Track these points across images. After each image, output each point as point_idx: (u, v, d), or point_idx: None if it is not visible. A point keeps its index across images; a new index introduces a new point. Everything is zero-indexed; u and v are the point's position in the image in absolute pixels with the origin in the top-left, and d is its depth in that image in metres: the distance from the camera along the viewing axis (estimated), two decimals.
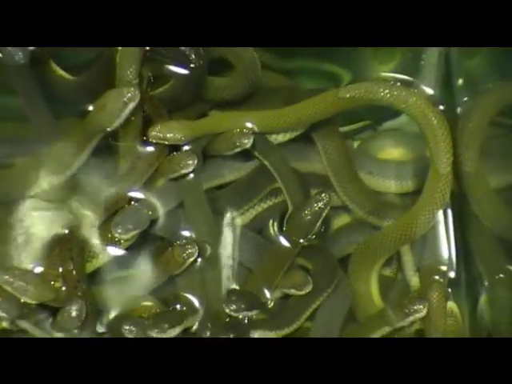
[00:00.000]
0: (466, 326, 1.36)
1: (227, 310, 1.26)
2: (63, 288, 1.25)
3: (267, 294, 1.31)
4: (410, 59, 1.49)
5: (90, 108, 1.35)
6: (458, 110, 1.44)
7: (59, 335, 1.25)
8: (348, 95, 1.31)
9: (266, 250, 1.35)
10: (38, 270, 1.27)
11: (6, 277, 1.22)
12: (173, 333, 1.24)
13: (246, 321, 1.28)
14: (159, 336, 1.23)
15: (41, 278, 1.26)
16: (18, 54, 1.35)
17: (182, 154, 1.36)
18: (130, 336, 1.24)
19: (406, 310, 1.28)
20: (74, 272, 1.26)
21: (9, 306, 1.22)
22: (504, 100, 1.41)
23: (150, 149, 1.35)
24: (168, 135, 1.34)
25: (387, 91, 1.29)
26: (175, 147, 1.37)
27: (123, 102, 1.29)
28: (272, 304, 1.32)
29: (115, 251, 1.30)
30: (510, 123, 1.44)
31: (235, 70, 1.45)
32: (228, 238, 1.34)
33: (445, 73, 1.47)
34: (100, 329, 1.28)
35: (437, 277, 1.34)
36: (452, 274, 1.36)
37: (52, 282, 1.26)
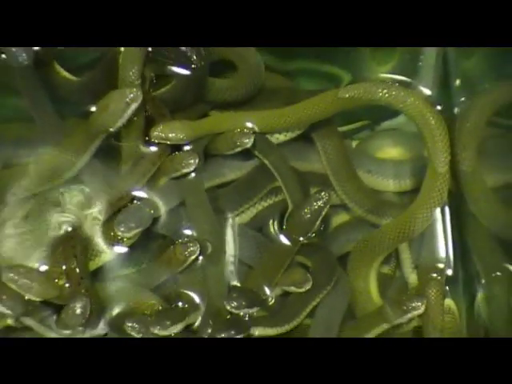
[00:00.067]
0: (464, 323, 1.36)
1: (228, 307, 1.27)
2: (67, 285, 1.26)
3: (267, 291, 1.32)
4: (407, 60, 1.50)
5: (93, 109, 1.36)
6: (456, 110, 1.44)
7: (63, 332, 1.25)
8: (347, 95, 1.31)
9: (266, 247, 1.35)
10: (43, 267, 1.28)
11: (11, 275, 1.22)
12: (175, 330, 1.24)
13: (247, 318, 1.28)
14: (161, 332, 1.23)
15: (45, 275, 1.26)
16: (22, 56, 1.36)
17: (183, 153, 1.36)
18: (133, 333, 1.24)
19: (405, 307, 1.28)
20: (78, 269, 1.26)
21: (14, 304, 1.23)
22: (501, 100, 1.41)
23: (153, 148, 1.36)
24: (170, 135, 1.35)
25: (386, 91, 1.29)
26: (177, 147, 1.37)
27: (126, 102, 1.30)
28: (272, 301, 1.32)
29: (118, 249, 1.31)
30: (507, 123, 1.45)
31: (238, 71, 1.46)
32: (229, 236, 1.35)
33: (442, 73, 1.48)
34: (103, 330, 1.28)
35: (434, 274, 1.34)
36: (449, 272, 1.36)
37: (56, 280, 1.26)
